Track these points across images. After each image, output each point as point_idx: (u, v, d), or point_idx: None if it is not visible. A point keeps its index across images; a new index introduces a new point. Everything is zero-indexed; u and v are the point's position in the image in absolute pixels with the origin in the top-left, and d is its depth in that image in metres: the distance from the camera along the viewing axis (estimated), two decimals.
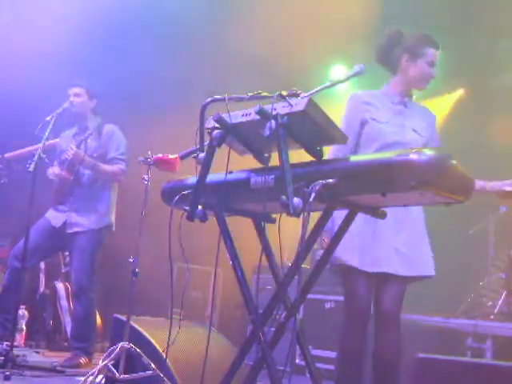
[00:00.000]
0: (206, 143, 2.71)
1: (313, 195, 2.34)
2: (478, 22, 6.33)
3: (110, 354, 3.73)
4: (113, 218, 5.26)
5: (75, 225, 5.13)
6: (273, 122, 2.44)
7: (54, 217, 5.19)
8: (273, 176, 2.54)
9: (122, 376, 3.67)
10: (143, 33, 6.53)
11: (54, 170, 5.15)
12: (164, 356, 3.43)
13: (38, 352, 5.69)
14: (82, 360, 4.94)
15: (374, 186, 2.33)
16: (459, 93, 7.80)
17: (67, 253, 5.91)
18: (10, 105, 6.20)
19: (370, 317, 3.33)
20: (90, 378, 3.66)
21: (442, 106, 7.70)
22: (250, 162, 2.75)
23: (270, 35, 6.60)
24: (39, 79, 6.12)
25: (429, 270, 3.32)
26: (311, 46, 6.84)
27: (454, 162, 2.28)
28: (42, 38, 6.13)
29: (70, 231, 5.12)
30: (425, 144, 3.39)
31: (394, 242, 3.25)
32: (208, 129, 2.68)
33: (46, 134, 4.59)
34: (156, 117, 6.73)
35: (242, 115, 2.62)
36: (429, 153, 2.25)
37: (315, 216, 2.56)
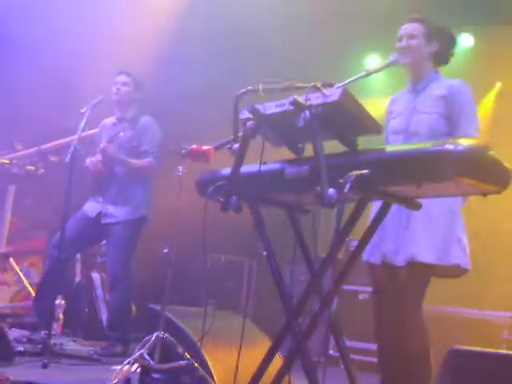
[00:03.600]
0: (239, 134, 2.72)
1: (347, 186, 2.33)
2: None
3: (145, 344, 3.76)
4: (149, 209, 5.27)
5: (109, 216, 5.17)
6: (307, 112, 2.43)
7: (90, 207, 5.24)
8: (307, 167, 2.53)
9: (157, 365, 3.71)
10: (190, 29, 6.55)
11: (90, 160, 5.19)
12: (199, 345, 3.45)
13: (74, 341, 5.76)
14: (118, 349, 4.99)
15: (409, 176, 2.31)
16: (497, 86, 7.66)
17: (103, 243, 5.98)
18: (48, 96, 6.26)
19: (391, 309, 3.27)
20: (126, 366, 3.69)
21: (484, 108, 7.57)
22: (284, 153, 2.75)
23: (304, 25, 6.57)
24: (80, 71, 6.18)
25: (421, 255, 3.11)
26: (347, 35, 6.79)
27: (491, 152, 2.25)
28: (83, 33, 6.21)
29: (104, 222, 5.17)
30: (443, 118, 3.25)
31: (402, 233, 3.17)
32: (242, 120, 2.69)
33: (82, 125, 4.64)
34: (191, 107, 6.75)
35: (276, 106, 2.61)
36: (465, 143, 2.23)
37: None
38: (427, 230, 3.13)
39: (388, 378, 3.28)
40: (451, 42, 3.44)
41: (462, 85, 3.32)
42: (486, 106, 7.48)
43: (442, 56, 3.43)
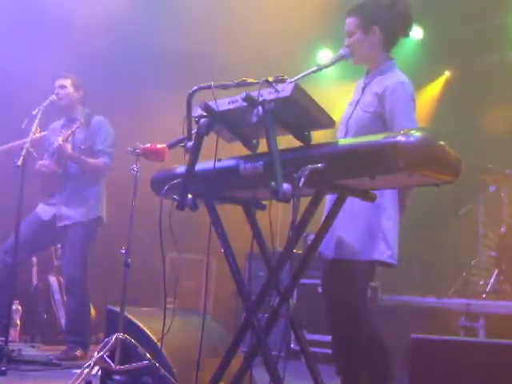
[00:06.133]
0: (193, 132, 2.71)
1: (302, 180, 2.34)
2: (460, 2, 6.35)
3: (105, 346, 3.73)
4: (103, 211, 5.24)
5: (64, 218, 5.12)
6: (260, 108, 2.44)
7: (43, 210, 5.18)
8: (261, 162, 2.53)
9: (117, 367, 3.68)
10: (131, 19, 6.47)
11: (43, 162, 5.12)
12: (159, 345, 3.43)
13: (33, 346, 5.69)
14: (78, 352, 4.94)
15: (363, 169, 2.33)
16: (445, 76, 7.81)
17: (59, 246, 5.91)
18: None
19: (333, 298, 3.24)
20: (86, 370, 3.65)
21: (430, 92, 7.71)
22: (239, 149, 2.75)
23: (255, 21, 6.58)
24: (24, 71, 6.08)
25: (342, 252, 3.07)
26: (298, 30, 6.82)
27: (442, 142, 2.29)
28: (21, 29, 6.10)
29: (59, 224, 5.11)
30: (377, 117, 3.11)
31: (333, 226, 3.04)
32: (195, 117, 2.68)
33: (33, 127, 4.57)
34: (144, 106, 6.71)
35: (229, 102, 2.62)
36: (416, 134, 2.26)
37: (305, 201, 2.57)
38: (349, 226, 3.07)
39: (342, 367, 3.29)
40: (398, 19, 3.22)
41: (398, 84, 3.12)
42: (431, 91, 7.62)
43: (388, 39, 3.23)
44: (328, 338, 5.39)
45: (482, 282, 6.25)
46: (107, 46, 6.41)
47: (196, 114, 2.68)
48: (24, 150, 4.41)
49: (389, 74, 3.20)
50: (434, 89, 7.77)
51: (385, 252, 3.06)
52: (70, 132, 4.94)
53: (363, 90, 3.28)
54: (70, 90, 5.25)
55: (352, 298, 3.13)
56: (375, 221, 3.07)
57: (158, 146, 3.94)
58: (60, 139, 4.96)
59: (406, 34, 3.29)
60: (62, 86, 5.23)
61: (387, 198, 3.10)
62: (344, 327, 3.16)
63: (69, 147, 4.97)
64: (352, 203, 2.79)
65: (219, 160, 2.72)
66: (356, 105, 3.25)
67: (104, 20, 6.29)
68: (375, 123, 3.12)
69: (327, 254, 3.13)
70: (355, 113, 3.22)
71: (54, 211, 5.14)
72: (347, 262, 3.07)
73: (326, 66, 3.14)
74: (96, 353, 3.76)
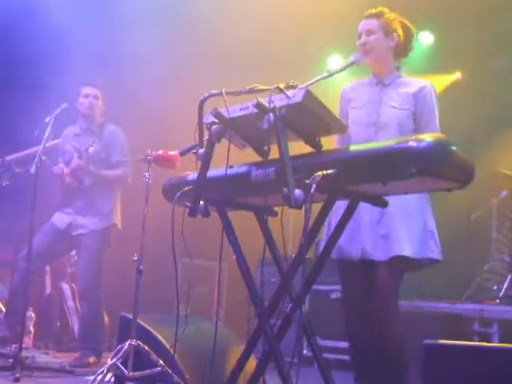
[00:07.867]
0: (205, 138, 2.71)
1: (314, 186, 2.34)
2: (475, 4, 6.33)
3: (118, 353, 3.74)
4: (117, 218, 5.25)
5: (79, 227, 5.14)
6: (271, 114, 2.44)
7: (59, 219, 5.20)
8: (273, 169, 2.54)
9: (131, 374, 3.69)
10: (140, 26, 6.50)
11: (61, 168, 5.13)
12: (172, 352, 3.44)
13: (46, 353, 5.71)
14: (91, 359, 4.95)
15: (375, 175, 2.33)
16: (456, 75, 7.78)
17: (72, 253, 5.94)
18: (8, 107, 6.20)
19: (362, 305, 3.27)
20: (99, 376, 3.67)
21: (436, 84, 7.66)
22: (251, 155, 2.76)
23: (265, 26, 6.59)
24: (36, 78, 6.13)
25: (403, 250, 3.12)
26: (308, 37, 6.84)
27: (454, 147, 2.28)
28: (36, 34, 6.15)
29: (74, 233, 5.14)
30: (412, 115, 3.28)
31: (376, 228, 3.16)
32: (207, 124, 2.69)
33: (46, 135, 4.60)
34: (155, 113, 6.73)
35: (240, 109, 2.62)
36: (428, 139, 2.25)
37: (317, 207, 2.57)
38: (405, 224, 3.15)
39: (363, 376, 3.29)
40: (409, 34, 3.43)
41: (432, 88, 3.35)
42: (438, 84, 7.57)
43: (402, 49, 3.41)
44: (341, 344, 5.41)
45: (495, 287, 6.22)
46: (117, 53, 6.45)
47: (208, 121, 2.69)
48: (37, 158, 4.43)
49: (410, 78, 3.41)
50: (441, 82, 7.72)
51: (435, 250, 3.21)
52: (83, 150, 4.95)
53: (383, 90, 3.36)
54: (101, 102, 5.26)
55: (395, 299, 3.21)
56: (425, 219, 3.22)
57: (170, 153, 3.95)
58: (76, 157, 4.97)
59: (412, 48, 3.48)
60: (97, 97, 5.23)
61: (425, 200, 3.25)
62: (380, 333, 3.18)
63: (85, 165, 4.98)
64: (404, 202, 2.95)
65: (231, 167, 2.73)
66: (380, 104, 3.32)
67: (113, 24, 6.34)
68: (410, 121, 3.29)
69: (376, 256, 3.17)
70: (385, 111, 3.31)
71: (70, 220, 5.16)
72: (403, 261, 3.14)
73: (337, 72, 3.15)
74: (109, 359, 3.77)
